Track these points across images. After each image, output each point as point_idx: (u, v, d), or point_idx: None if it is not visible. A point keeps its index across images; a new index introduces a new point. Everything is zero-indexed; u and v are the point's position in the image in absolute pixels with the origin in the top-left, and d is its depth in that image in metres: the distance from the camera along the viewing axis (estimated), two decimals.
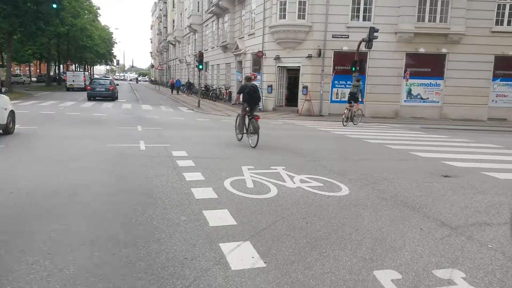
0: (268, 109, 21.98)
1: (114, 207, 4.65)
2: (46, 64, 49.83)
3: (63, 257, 3.31)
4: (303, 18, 20.03)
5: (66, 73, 43.51)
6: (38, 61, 60.06)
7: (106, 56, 74.21)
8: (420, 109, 20.71)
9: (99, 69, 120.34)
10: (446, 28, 19.41)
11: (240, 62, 26.89)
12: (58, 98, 26.47)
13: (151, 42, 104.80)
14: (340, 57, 20.14)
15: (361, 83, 17.05)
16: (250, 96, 9.71)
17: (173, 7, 54.56)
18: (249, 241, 3.77)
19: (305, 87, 20.46)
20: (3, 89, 10.65)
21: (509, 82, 20.65)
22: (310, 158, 8.32)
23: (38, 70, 71.35)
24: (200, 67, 23.85)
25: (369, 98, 19.99)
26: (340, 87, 20.67)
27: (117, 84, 34.80)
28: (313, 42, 20.08)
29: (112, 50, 77.05)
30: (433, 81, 20.57)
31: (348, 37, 19.81)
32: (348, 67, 19.24)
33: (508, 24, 19.95)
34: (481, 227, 4.48)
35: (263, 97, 21.98)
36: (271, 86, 22.08)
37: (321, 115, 20.11)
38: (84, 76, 40.04)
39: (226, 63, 30.63)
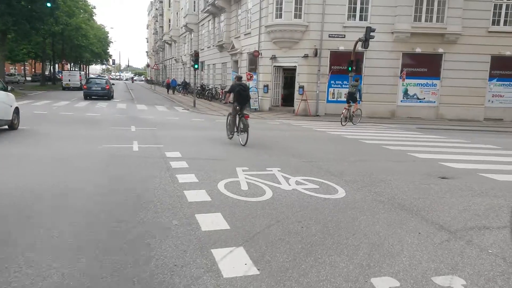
0: (264, 109, 21.86)
1: (103, 211, 4.50)
2: (41, 63, 49.44)
3: (48, 264, 3.16)
4: (300, 17, 19.91)
5: (61, 73, 43.98)
6: (33, 61, 59.60)
7: (101, 56, 73.81)
8: (416, 109, 20.64)
9: (95, 69, 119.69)
10: (442, 28, 19.35)
11: (236, 62, 26.74)
12: (52, 98, 26.23)
13: (147, 42, 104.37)
14: (337, 57, 20.05)
15: (359, 83, 16.96)
16: (240, 95, 9.87)
17: (169, 7, 54.31)
18: (242, 247, 3.64)
19: (302, 87, 20.35)
20: (9, 88, 11.43)
21: (506, 82, 20.63)
22: (306, 159, 8.20)
23: (33, 70, 70.80)
24: (196, 66, 23.69)
25: (365, 98, 19.85)
26: (337, 87, 20.58)
27: (113, 84, 34.86)
28: (309, 42, 19.97)
29: (108, 49, 76.65)
30: (429, 81, 20.51)
31: (344, 37, 19.71)
32: (344, 67, 19.15)
33: (505, 24, 19.92)
34: (481, 231, 4.37)
35: (259, 97, 21.88)
36: (267, 86, 21.95)
37: (318, 115, 20.01)
38: (80, 76, 40.43)
39: (222, 63, 30.47)
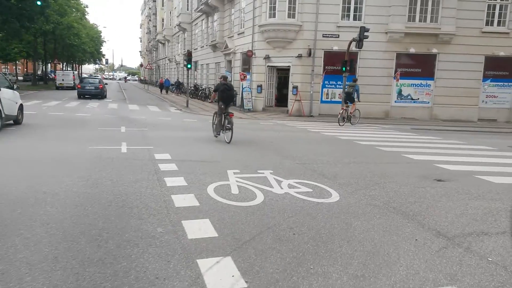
0: (257, 110, 21.66)
1: (84, 217, 4.27)
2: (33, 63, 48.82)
3: (20, 277, 2.94)
4: (293, 17, 19.74)
5: (54, 72, 44.23)
6: (25, 60, 58.89)
7: (94, 55, 73.20)
8: (410, 109, 20.56)
9: (88, 68, 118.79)
10: (436, 28, 19.28)
11: (229, 62, 26.52)
12: (42, 98, 25.83)
13: (141, 41, 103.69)
14: (331, 57, 19.91)
15: (357, 83, 16.82)
16: (225, 94, 10.23)
17: (163, 6, 53.90)
18: (230, 257, 3.43)
19: (295, 87, 20.18)
20: (15, 86, 12.29)
21: (499, 83, 20.63)
22: (299, 161, 8.01)
23: (25, 69, 69.98)
24: (189, 66, 23.43)
25: (360, 99, 19.73)
26: (331, 87, 20.44)
27: (106, 84, 34.88)
28: (303, 42, 19.81)
29: (101, 49, 76.05)
30: (423, 82, 20.44)
31: (338, 37, 19.58)
32: (338, 67, 19.01)
33: (498, 24, 19.92)
34: (479, 237, 4.20)
35: (253, 97, 21.68)
36: (260, 86, 21.75)
37: (311, 116, 19.86)
38: (74, 75, 41.12)
39: (216, 63, 30.23)
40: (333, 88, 20.37)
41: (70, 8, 45.32)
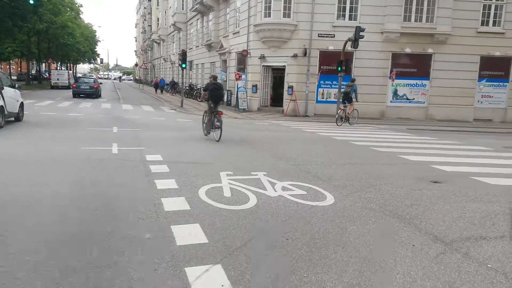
0: (253, 109, 21.51)
1: (69, 222, 4.12)
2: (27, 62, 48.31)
3: None
4: (289, 16, 19.61)
5: (49, 72, 44.52)
6: (19, 59, 58.30)
7: (89, 55, 72.63)
8: (406, 109, 20.50)
9: (83, 68, 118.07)
10: (432, 28, 19.23)
11: (225, 61, 26.36)
12: (36, 97, 25.50)
13: (136, 41, 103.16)
14: (326, 57, 19.79)
15: (355, 83, 16.71)
16: (214, 93, 10.49)
17: (158, 5, 53.59)
18: (220, 264, 3.28)
19: (291, 87, 20.05)
20: (16, 85, 13.07)
21: (495, 83, 20.61)
22: (294, 162, 7.87)
23: (19, 69, 69.30)
24: (183, 66, 23.24)
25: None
26: (326, 87, 20.33)
27: (101, 83, 34.79)
28: (298, 41, 19.68)
29: (96, 48, 75.47)
30: (419, 82, 20.39)
31: (334, 37, 19.47)
32: (334, 67, 18.91)
33: (494, 24, 19.89)
34: (478, 242, 4.09)
35: (248, 97, 21.53)
36: (256, 85, 21.59)
37: (307, 116, 19.74)
38: (68, 75, 41.31)
39: (211, 62, 30.04)
40: (329, 88, 20.26)
41: (64, 7, 44.89)
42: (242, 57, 22.23)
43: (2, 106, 11.11)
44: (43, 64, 55.46)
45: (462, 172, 7.58)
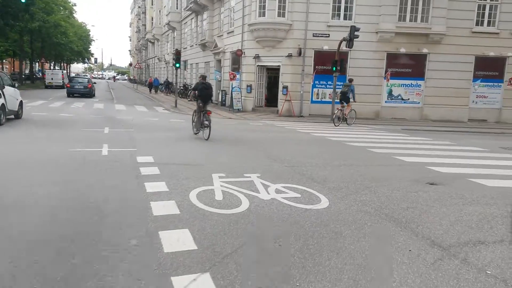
0: (247, 110, 21.35)
1: (52, 228, 3.94)
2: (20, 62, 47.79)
3: None
4: (283, 16, 19.48)
5: (43, 71, 44.56)
6: (12, 59, 57.67)
7: (83, 54, 72.02)
8: (401, 110, 20.44)
9: (77, 67, 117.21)
10: (427, 28, 19.18)
11: (219, 61, 26.17)
12: (28, 97, 25.07)
13: (130, 40, 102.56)
14: (321, 57, 19.68)
15: (353, 83, 16.61)
16: (203, 93, 10.78)
17: (152, 4, 53.21)
18: (208, 273, 3.13)
19: (285, 87, 19.91)
20: (16, 84, 13.86)
21: (489, 83, 20.59)
22: (288, 164, 7.73)
23: (12, 68, 68.61)
24: (177, 65, 23.02)
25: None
26: (321, 87, 20.22)
27: (95, 83, 34.68)
28: (293, 41, 19.55)
29: (90, 47, 74.90)
30: (413, 82, 20.33)
31: (328, 36, 19.37)
32: (329, 67, 18.80)
33: (488, 24, 19.88)
34: (476, 247, 3.96)
35: (242, 97, 21.37)
36: (250, 85, 21.44)
37: (302, 116, 19.61)
38: (63, 75, 41.70)
39: (205, 62, 29.85)
40: (324, 88, 20.16)
41: (57, 6, 44.38)
42: (237, 57, 22.07)
43: (3, 104, 11.69)
44: (37, 64, 54.92)
45: (458, 174, 7.47)
